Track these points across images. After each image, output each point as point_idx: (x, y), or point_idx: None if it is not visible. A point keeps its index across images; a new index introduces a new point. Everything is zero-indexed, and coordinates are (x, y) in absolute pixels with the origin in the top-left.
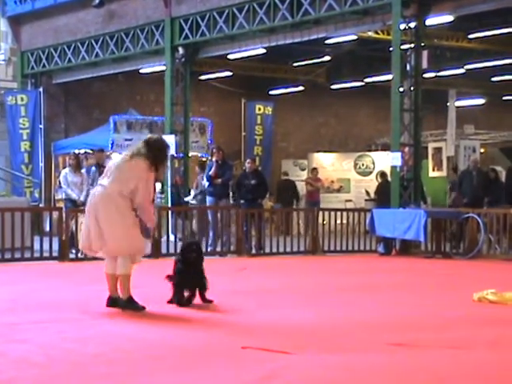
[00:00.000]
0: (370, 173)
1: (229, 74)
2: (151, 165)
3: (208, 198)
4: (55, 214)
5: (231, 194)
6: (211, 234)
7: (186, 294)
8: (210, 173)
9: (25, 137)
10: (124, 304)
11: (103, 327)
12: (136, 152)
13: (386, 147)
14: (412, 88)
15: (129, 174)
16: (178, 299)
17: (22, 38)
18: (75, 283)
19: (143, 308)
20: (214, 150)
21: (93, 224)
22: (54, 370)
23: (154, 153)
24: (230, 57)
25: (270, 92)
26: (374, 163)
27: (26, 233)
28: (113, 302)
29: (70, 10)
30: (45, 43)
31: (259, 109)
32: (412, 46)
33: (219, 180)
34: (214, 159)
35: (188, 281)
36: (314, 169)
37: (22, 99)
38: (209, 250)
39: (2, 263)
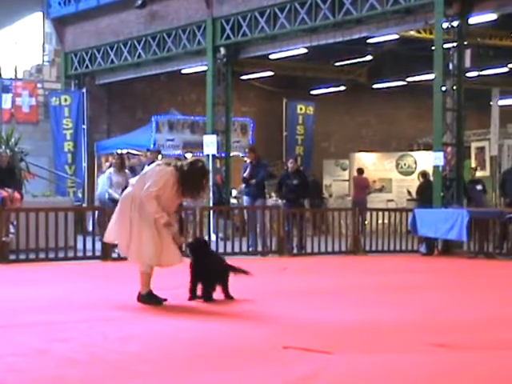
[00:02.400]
0: (412, 172)
1: (270, 73)
2: (178, 183)
3: (244, 198)
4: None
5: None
6: (251, 233)
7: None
8: (245, 175)
9: (68, 137)
10: (144, 298)
11: (145, 326)
12: (178, 165)
13: (428, 147)
14: (454, 87)
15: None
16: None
17: (65, 39)
18: (118, 282)
19: (164, 300)
20: (248, 152)
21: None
22: (97, 369)
23: (187, 177)
24: (272, 57)
25: (312, 92)
26: (416, 163)
27: (69, 232)
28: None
29: (112, 12)
30: (88, 44)
31: (300, 109)
32: (455, 44)
33: (253, 180)
34: (248, 161)
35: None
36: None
37: (65, 100)
38: (250, 249)
39: (46, 262)
